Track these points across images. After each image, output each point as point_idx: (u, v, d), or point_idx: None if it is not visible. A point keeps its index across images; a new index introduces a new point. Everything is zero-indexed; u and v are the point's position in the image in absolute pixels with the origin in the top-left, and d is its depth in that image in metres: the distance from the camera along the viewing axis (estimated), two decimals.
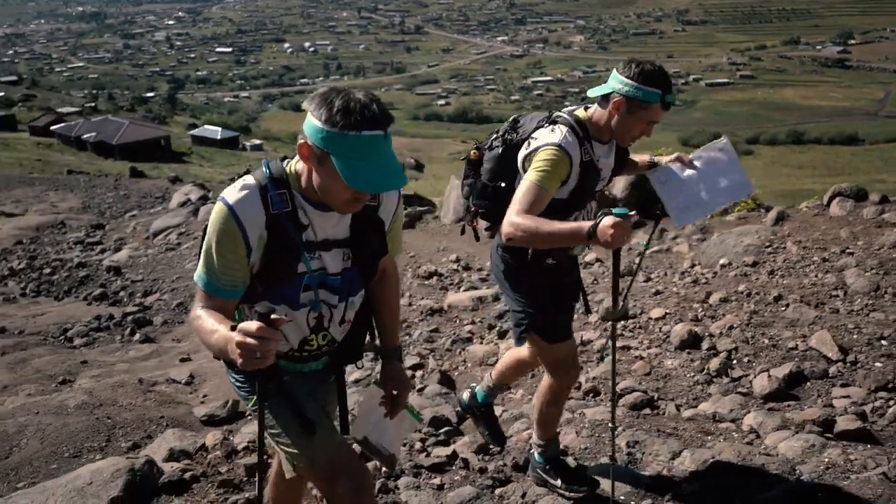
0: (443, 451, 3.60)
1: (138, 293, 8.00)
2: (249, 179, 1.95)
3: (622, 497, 3.03)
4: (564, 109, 2.79)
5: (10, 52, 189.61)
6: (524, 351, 3.09)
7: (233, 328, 1.68)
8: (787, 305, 4.71)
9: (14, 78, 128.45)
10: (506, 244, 2.75)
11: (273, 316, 1.65)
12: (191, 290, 7.80)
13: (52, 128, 62.37)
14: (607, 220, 2.25)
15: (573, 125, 2.66)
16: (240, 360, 1.63)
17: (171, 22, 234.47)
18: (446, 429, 3.93)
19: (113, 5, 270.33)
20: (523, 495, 3.14)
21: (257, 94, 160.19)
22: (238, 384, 2.16)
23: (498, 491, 3.22)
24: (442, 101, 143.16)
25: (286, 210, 1.91)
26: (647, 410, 3.87)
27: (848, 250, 5.47)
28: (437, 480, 3.36)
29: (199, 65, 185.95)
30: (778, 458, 3.18)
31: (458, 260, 7.61)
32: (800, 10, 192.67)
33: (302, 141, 1.84)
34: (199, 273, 1.96)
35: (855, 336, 4.19)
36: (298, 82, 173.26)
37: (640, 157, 3.14)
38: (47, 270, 9.25)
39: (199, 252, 2.00)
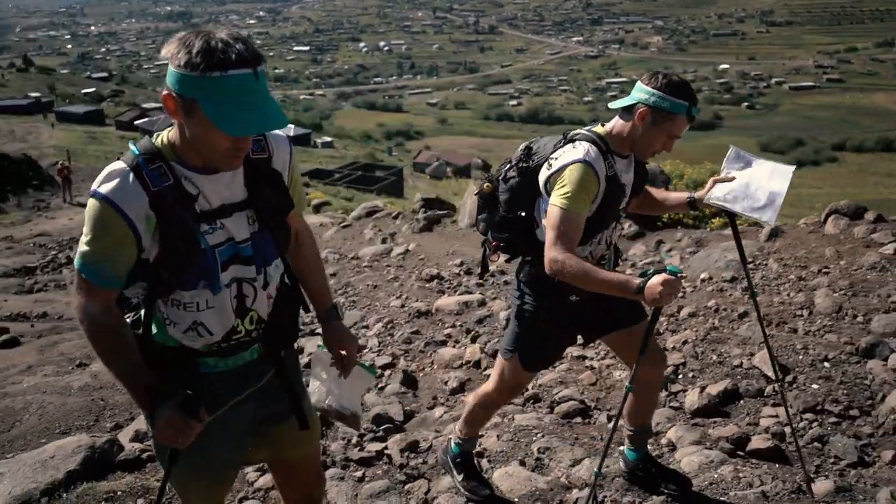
0: (374, 447, 3.81)
1: None
2: (117, 164, 1.71)
3: (516, 499, 3.20)
4: (580, 129, 2.68)
5: (103, 49, 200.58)
6: (489, 388, 3.03)
7: (157, 391, 1.76)
8: (746, 323, 4.72)
9: (105, 75, 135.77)
10: (527, 279, 2.76)
11: (201, 413, 1.73)
12: None
13: (136, 122, 65.55)
14: (658, 278, 2.20)
15: (595, 140, 2.55)
16: (158, 435, 1.76)
17: (252, 21, 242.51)
18: (386, 426, 4.14)
19: (199, 5, 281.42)
20: (427, 491, 3.34)
21: (332, 92, 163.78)
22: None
23: (407, 486, 3.43)
24: (514, 102, 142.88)
25: (168, 183, 1.69)
26: (578, 419, 3.97)
27: (825, 270, 5.39)
28: (359, 473, 3.59)
29: (276, 63, 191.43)
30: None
31: (462, 264, 7.81)
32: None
33: (165, 93, 1.61)
34: (81, 263, 1.74)
35: (801, 357, 4.18)
36: (372, 81, 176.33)
37: (675, 195, 2.95)
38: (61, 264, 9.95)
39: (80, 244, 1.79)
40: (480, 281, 7.21)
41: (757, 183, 2.78)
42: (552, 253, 2.40)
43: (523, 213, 2.69)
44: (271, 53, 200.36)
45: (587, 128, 2.66)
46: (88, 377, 5.57)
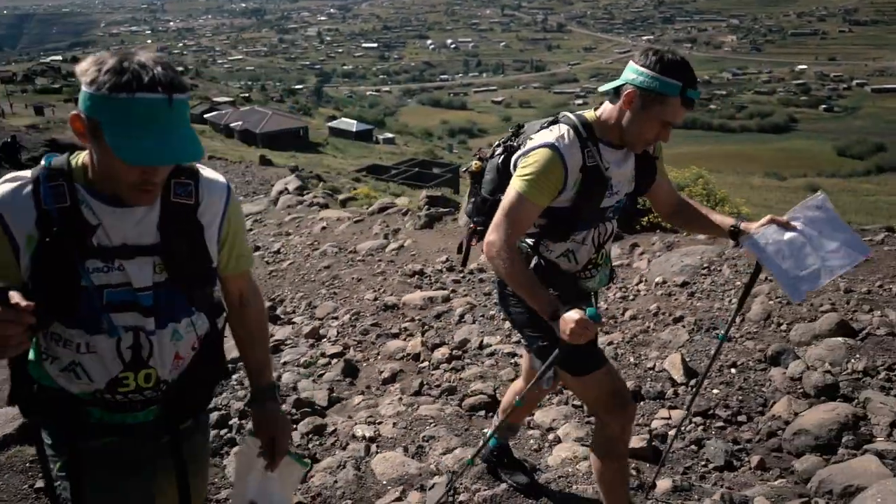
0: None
1: None
2: (22, 173, 1.59)
3: (385, 482, 3.38)
4: (568, 113, 2.42)
5: (180, 44, 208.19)
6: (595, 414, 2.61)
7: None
8: (676, 327, 4.74)
9: (181, 69, 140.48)
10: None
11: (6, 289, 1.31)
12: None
13: (206, 116, 67.99)
14: (573, 315, 2.05)
15: (576, 125, 2.28)
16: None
17: (322, 18, 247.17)
18: (305, 409, 4.36)
19: (272, 2, 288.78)
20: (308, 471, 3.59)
21: (398, 88, 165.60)
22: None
23: None
24: (579, 101, 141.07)
25: (62, 205, 1.54)
26: (482, 412, 4.10)
27: (771, 277, 5.35)
28: None
29: (345, 59, 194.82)
30: (539, 464, 3.43)
31: (447, 260, 7.97)
32: None
33: (74, 113, 1.48)
34: None
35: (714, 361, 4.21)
36: (438, 78, 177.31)
37: (720, 217, 2.58)
38: None
39: None
40: (458, 278, 7.36)
41: (817, 246, 2.40)
42: (492, 235, 2.25)
43: (501, 196, 2.36)
44: (340, 50, 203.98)
45: (579, 112, 2.40)
46: None
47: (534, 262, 2.45)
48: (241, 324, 1.94)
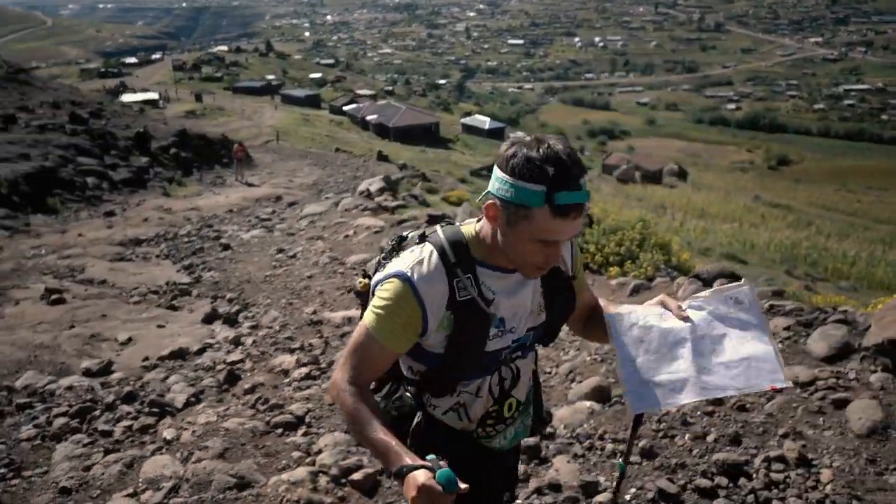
0: (126, 424, 4.00)
1: (212, 268, 8.81)
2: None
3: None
4: (438, 228, 1.84)
5: (335, 38, 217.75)
6: None
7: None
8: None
9: (332, 61, 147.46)
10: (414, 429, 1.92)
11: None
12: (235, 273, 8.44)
13: (345, 108, 70.40)
14: (418, 478, 1.45)
15: (443, 246, 1.72)
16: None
17: (471, 14, 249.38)
18: (153, 409, 4.34)
19: None
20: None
21: (541, 86, 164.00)
22: None
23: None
24: (732, 106, 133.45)
25: None
26: (281, 430, 4.04)
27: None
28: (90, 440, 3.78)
29: (490, 55, 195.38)
30: None
31: None
32: None
33: None
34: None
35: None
36: (583, 77, 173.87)
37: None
38: (184, 239, 10.65)
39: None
40: None
41: (703, 352, 1.71)
42: (337, 373, 1.74)
43: None
44: (486, 46, 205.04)
45: (459, 224, 1.83)
46: (48, 336, 5.87)
47: (416, 419, 1.89)
48: None
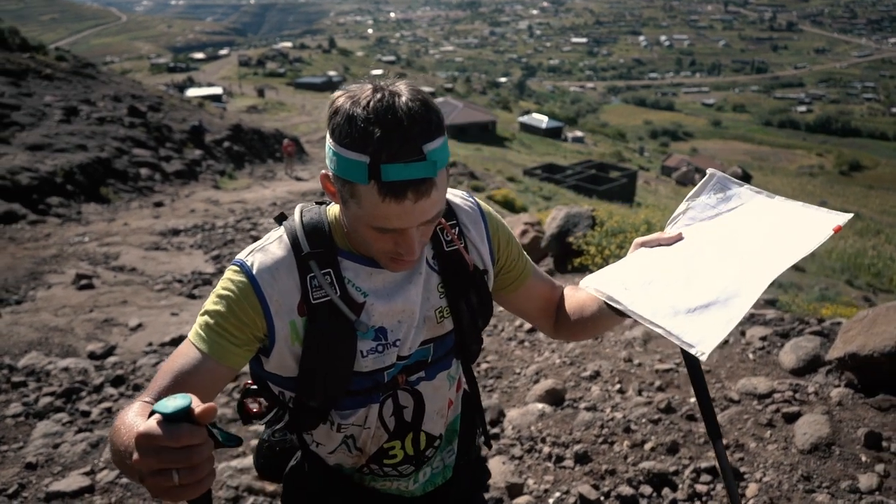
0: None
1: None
2: None
3: None
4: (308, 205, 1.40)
5: (398, 35, 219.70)
6: None
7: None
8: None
9: (393, 58, 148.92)
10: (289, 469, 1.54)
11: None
12: None
13: None
14: (143, 426, 0.84)
15: (297, 231, 1.27)
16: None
17: (535, 12, 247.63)
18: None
19: None
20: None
21: (603, 85, 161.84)
22: None
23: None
24: (802, 108, 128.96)
25: None
26: None
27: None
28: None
29: (552, 54, 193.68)
30: None
31: None
32: None
33: None
34: None
35: None
36: (647, 77, 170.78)
37: (587, 297, 1.43)
38: (220, 230, 10.95)
39: None
40: None
41: (729, 255, 1.27)
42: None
43: None
44: (548, 44, 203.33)
45: (319, 204, 1.36)
46: (60, 318, 6.12)
47: (292, 461, 1.49)
48: None
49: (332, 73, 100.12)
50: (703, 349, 1.12)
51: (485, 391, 3.84)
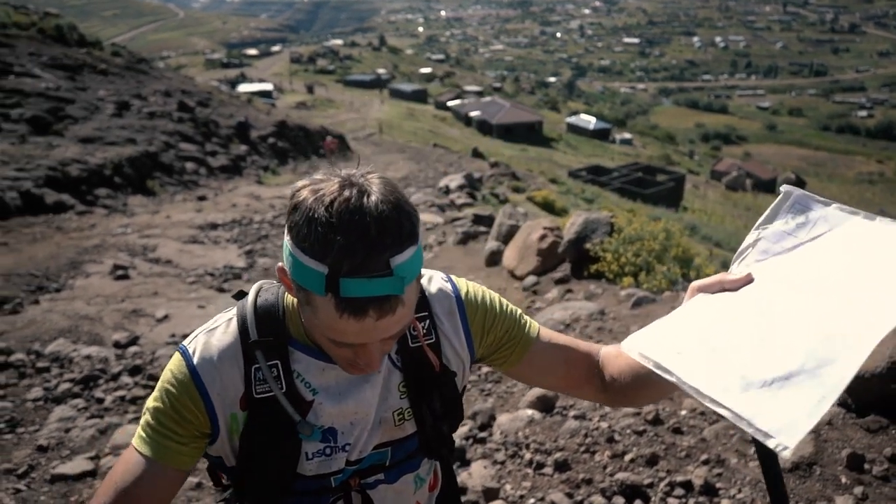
0: None
1: (267, 255, 9.23)
2: None
3: None
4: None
5: (448, 33, 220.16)
6: None
7: None
8: None
9: (442, 57, 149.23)
10: None
11: None
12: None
13: (449, 104, 71.12)
14: None
15: (247, 315, 1.14)
16: None
17: (586, 11, 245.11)
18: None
19: None
20: None
21: (654, 86, 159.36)
22: None
23: None
24: (863, 113, 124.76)
25: None
26: None
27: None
28: None
29: (603, 54, 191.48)
30: None
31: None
32: None
33: None
34: None
35: None
36: (700, 78, 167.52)
37: (614, 351, 1.29)
38: (256, 225, 11.22)
39: None
40: None
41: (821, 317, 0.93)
42: None
43: None
44: (599, 44, 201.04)
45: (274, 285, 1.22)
46: (92, 307, 6.36)
47: None
48: None
49: (381, 70, 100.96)
50: (785, 441, 0.80)
51: (481, 395, 3.91)
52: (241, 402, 1.12)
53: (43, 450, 3.40)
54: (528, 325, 1.32)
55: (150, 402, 1.13)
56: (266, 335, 1.12)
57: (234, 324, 1.15)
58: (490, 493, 2.78)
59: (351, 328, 0.95)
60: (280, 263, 1.02)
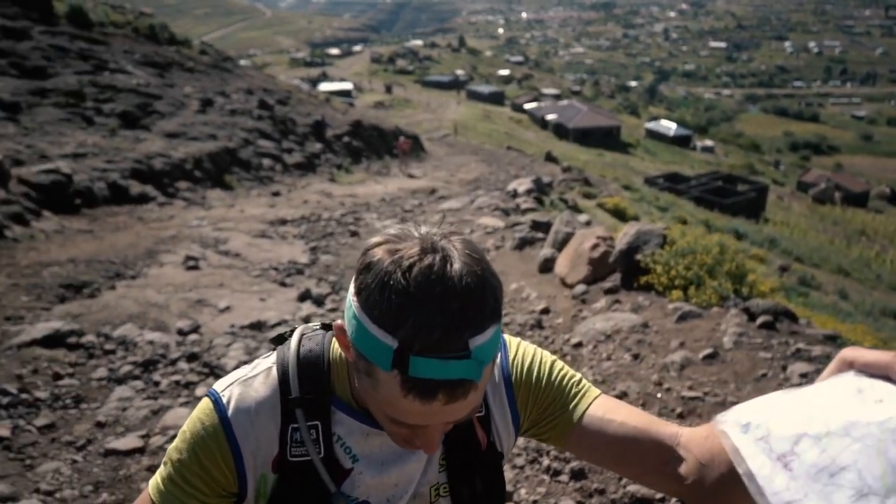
0: None
1: (330, 252, 9.56)
2: None
3: None
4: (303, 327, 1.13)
5: (528, 35, 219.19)
6: None
7: None
8: None
9: (521, 59, 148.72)
10: None
11: None
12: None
13: (525, 106, 70.89)
14: None
15: (289, 366, 1.03)
16: None
17: (672, 14, 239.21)
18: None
19: None
20: None
21: (741, 93, 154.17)
22: None
23: None
24: None
25: None
26: None
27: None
28: None
29: (688, 58, 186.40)
30: None
31: None
32: None
33: None
34: None
35: None
36: (790, 85, 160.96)
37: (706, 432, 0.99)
38: (323, 222, 11.58)
39: None
40: None
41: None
42: None
43: None
44: (684, 48, 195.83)
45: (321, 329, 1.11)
46: (161, 295, 6.69)
47: None
48: None
49: (459, 71, 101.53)
50: None
51: None
52: (273, 464, 1.02)
53: (101, 425, 3.69)
54: (577, 398, 1.11)
55: (173, 453, 1.02)
56: (308, 392, 1.01)
57: (273, 375, 1.03)
58: (506, 496, 2.87)
59: (415, 409, 0.84)
60: (339, 321, 0.92)
